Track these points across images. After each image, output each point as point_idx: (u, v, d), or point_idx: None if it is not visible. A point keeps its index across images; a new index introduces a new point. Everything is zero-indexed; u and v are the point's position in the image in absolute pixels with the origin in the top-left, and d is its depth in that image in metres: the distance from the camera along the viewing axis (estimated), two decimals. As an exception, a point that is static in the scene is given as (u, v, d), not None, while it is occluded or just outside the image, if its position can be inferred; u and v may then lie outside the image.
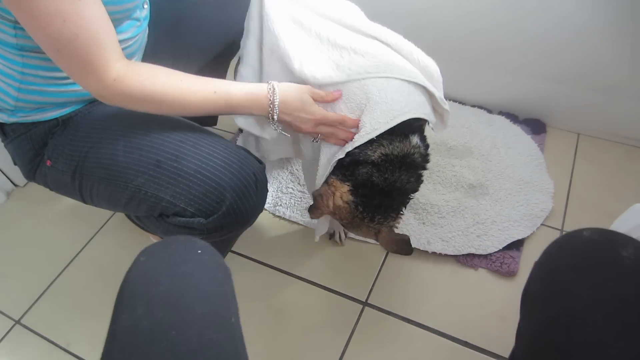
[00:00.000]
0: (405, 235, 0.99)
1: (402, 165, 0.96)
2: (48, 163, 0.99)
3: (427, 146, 1.02)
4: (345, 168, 0.98)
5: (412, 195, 1.01)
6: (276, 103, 0.93)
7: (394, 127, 0.95)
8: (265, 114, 0.94)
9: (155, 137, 0.92)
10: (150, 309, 0.52)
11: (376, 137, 0.95)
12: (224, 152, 0.93)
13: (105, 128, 0.96)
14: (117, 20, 0.87)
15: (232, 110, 0.93)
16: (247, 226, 0.99)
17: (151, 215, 0.97)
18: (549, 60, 1.46)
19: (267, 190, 1.00)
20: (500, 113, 1.62)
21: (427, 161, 1.02)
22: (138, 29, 0.98)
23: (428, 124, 1.03)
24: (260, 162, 0.99)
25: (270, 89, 0.94)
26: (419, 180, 1.01)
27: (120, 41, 0.88)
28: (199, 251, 0.60)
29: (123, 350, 0.51)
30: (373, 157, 0.95)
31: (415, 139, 0.99)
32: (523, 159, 1.47)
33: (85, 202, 1.03)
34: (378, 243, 1.02)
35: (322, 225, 1.22)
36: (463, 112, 1.62)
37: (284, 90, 0.94)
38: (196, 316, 0.53)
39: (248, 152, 0.99)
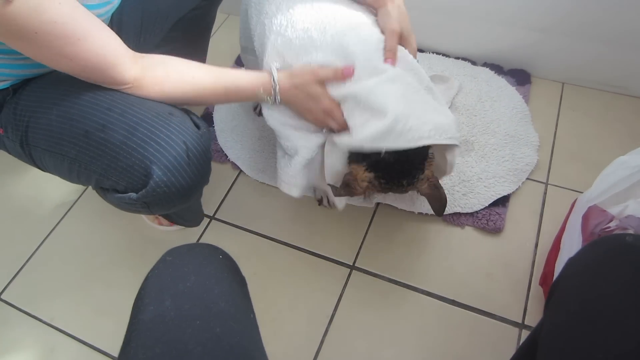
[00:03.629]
0: (443, 195, 1.02)
1: None
2: (1, 132, 0.95)
3: None
4: None
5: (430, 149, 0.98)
6: (277, 98, 0.96)
7: None
8: (271, 100, 0.97)
9: (85, 105, 0.87)
10: (177, 302, 0.57)
11: None
12: (152, 120, 0.86)
13: (42, 95, 0.91)
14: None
15: (244, 101, 1.01)
16: (190, 200, 0.93)
17: (95, 188, 0.95)
18: (533, 8, 1.41)
19: (208, 158, 0.93)
20: (485, 64, 1.58)
21: None
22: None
23: None
24: (198, 127, 0.92)
25: (273, 82, 0.95)
26: None
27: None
28: (220, 256, 0.67)
29: (150, 337, 0.54)
30: None
31: None
32: (508, 112, 1.45)
33: (42, 170, 1.00)
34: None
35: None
36: (447, 65, 1.58)
37: (289, 82, 0.95)
38: (219, 309, 0.58)
39: (188, 116, 0.92)
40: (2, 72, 0.89)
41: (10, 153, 1.01)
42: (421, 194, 1.02)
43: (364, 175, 0.95)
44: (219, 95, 0.95)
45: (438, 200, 1.03)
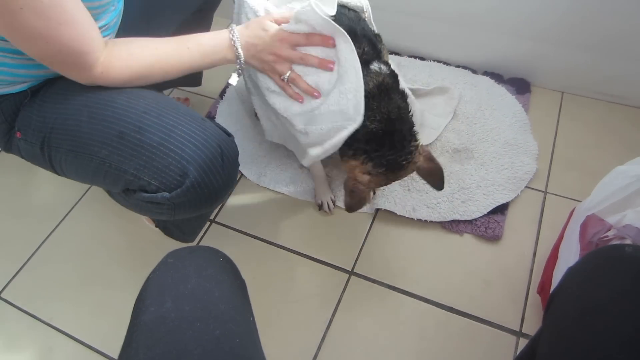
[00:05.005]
0: (439, 166, 1.02)
1: (384, 94, 0.95)
2: (18, 135, 0.96)
3: (390, 68, 1.00)
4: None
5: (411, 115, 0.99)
6: (237, 40, 0.98)
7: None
8: (233, 55, 0.99)
9: (119, 108, 0.88)
10: (178, 304, 0.58)
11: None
12: (188, 123, 0.89)
13: (70, 98, 0.92)
14: (96, 14, 0.88)
15: (210, 60, 0.99)
16: (217, 203, 0.96)
17: (119, 190, 0.95)
18: (534, 18, 1.42)
19: (237, 164, 0.96)
20: (485, 73, 1.59)
21: (397, 78, 1.00)
22: (113, 13, 0.95)
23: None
24: (228, 134, 0.95)
25: (230, 29, 0.98)
26: (405, 99, 0.99)
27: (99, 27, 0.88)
28: (221, 259, 0.67)
29: (151, 337, 0.55)
30: None
31: (374, 65, 0.97)
32: (508, 120, 1.45)
33: (57, 173, 1.01)
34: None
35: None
36: (448, 73, 1.59)
37: (244, 27, 1.00)
38: (219, 312, 0.58)
39: (216, 123, 0.95)
40: (17, 73, 0.90)
41: (22, 156, 1.01)
42: (420, 172, 1.03)
43: (361, 166, 0.97)
44: (184, 62, 0.96)
45: (436, 173, 1.03)
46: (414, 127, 0.98)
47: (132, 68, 0.91)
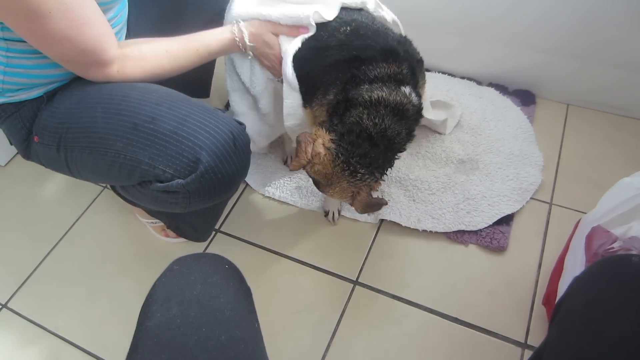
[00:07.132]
0: (383, 200, 1.00)
1: (396, 113, 0.94)
2: (35, 139, 0.99)
3: (420, 102, 1.00)
4: (334, 113, 0.98)
5: (398, 154, 1.00)
6: (246, 43, 1.10)
7: (386, 74, 0.95)
8: (238, 50, 1.12)
9: (132, 102, 0.91)
10: (184, 309, 0.58)
11: (369, 81, 0.96)
12: (201, 112, 0.92)
13: (84, 98, 0.95)
14: (107, 9, 0.93)
15: (216, 56, 1.10)
16: (230, 191, 0.98)
17: (134, 182, 0.96)
18: (539, 30, 1.43)
19: (250, 152, 0.98)
20: (490, 84, 1.60)
21: (421, 116, 1.00)
22: (120, 6, 0.99)
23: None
24: (240, 123, 0.97)
25: (237, 32, 1.08)
26: (409, 136, 0.99)
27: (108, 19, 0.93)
28: (226, 266, 0.68)
29: (157, 343, 0.56)
30: (367, 98, 0.94)
31: (407, 89, 0.97)
32: (513, 131, 1.46)
33: (74, 175, 1.03)
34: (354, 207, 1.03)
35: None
36: (452, 84, 1.60)
37: (248, 32, 1.09)
38: (225, 318, 0.59)
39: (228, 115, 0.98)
40: (33, 74, 0.93)
41: (40, 160, 1.03)
42: (358, 205, 1.00)
43: (327, 141, 0.95)
44: (192, 58, 1.04)
45: (377, 206, 1.02)
46: (389, 166, 0.98)
47: (144, 67, 0.97)
